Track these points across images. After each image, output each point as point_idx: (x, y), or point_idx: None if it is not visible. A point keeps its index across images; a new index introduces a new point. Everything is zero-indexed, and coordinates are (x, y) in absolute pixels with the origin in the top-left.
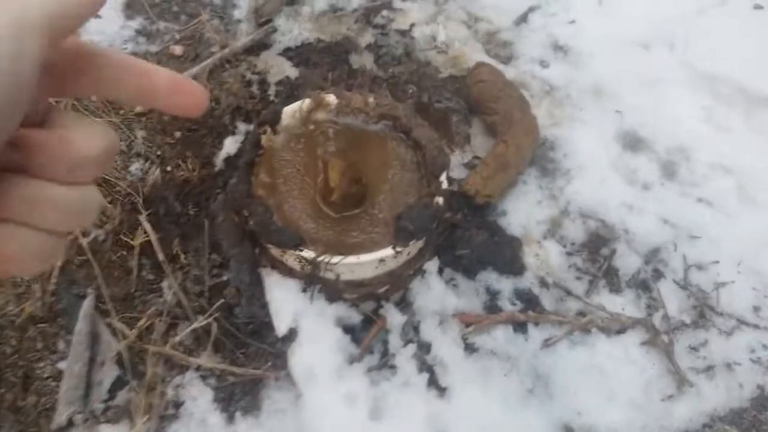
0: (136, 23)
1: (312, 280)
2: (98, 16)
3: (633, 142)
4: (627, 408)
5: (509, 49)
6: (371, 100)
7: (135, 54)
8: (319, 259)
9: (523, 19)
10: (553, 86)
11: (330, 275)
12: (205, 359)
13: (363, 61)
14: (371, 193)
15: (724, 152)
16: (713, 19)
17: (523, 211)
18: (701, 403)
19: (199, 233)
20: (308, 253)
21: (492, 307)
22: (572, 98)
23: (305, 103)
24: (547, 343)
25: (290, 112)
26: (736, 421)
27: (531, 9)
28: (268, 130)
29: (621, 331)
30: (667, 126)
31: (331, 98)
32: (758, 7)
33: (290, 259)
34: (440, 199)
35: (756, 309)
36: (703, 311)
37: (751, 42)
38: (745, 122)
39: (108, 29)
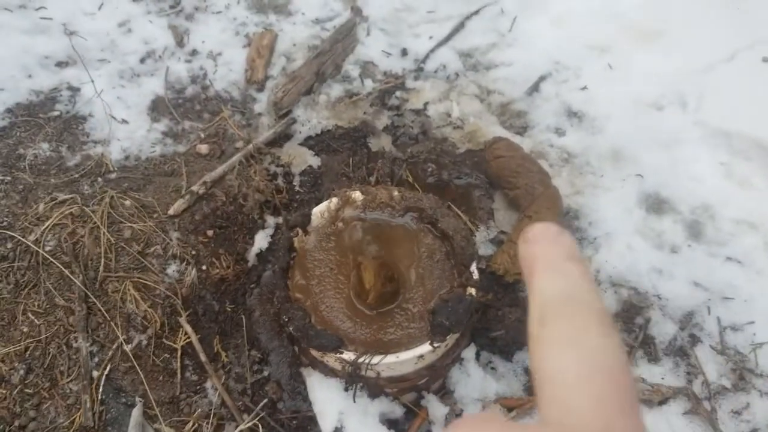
0: (162, 125)
1: (353, 379)
2: (125, 122)
3: (656, 205)
4: None
5: (524, 119)
6: (396, 193)
7: (163, 156)
8: (360, 360)
9: (534, 88)
10: (571, 154)
11: (371, 373)
12: None
13: (381, 143)
14: (403, 288)
15: (748, 208)
16: (722, 75)
17: None
18: None
19: (238, 330)
20: (348, 355)
21: (532, 387)
22: (592, 165)
23: (333, 202)
24: None
25: (319, 212)
26: None
27: (542, 78)
28: (299, 232)
29: (662, 402)
30: (688, 185)
31: (357, 194)
32: (766, 60)
33: (331, 360)
34: (473, 290)
35: None
36: (743, 374)
37: (763, 95)
38: (766, 175)
39: (135, 134)
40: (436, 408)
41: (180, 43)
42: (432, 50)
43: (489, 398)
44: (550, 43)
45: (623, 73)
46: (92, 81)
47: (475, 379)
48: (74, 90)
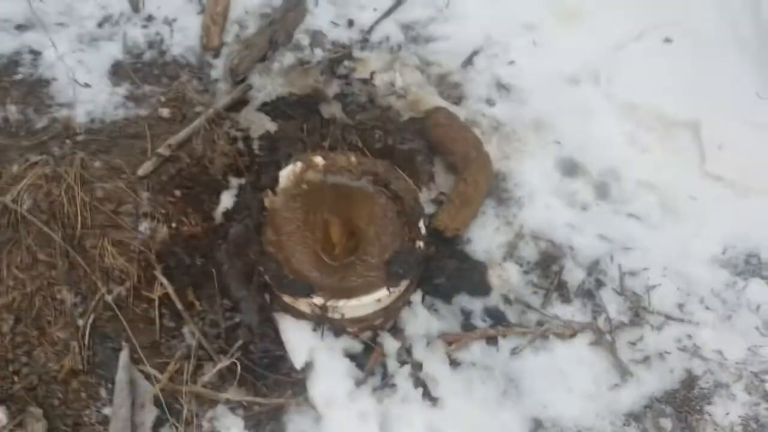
0: (123, 89)
1: (321, 321)
2: (87, 85)
3: (570, 168)
4: (583, 399)
5: (459, 90)
6: (353, 159)
7: (127, 119)
8: (328, 304)
9: (469, 61)
10: (500, 123)
11: (336, 315)
12: (232, 393)
13: (332, 110)
14: (362, 242)
15: (648, 171)
16: (630, 53)
17: (484, 238)
18: (641, 388)
19: (210, 281)
20: (317, 300)
21: (467, 325)
22: (517, 133)
23: (297, 165)
24: (515, 352)
25: (285, 175)
26: (670, 400)
27: (475, 52)
28: (269, 193)
29: (573, 335)
30: (598, 151)
31: (319, 159)
32: (668, 40)
33: (302, 305)
34: (421, 243)
35: (680, 306)
36: (638, 311)
37: (664, 71)
38: (663, 143)
39: (98, 97)
40: (389, 344)
41: (135, 9)
42: (376, 22)
43: (432, 334)
44: (483, 19)
45: (546, 50)
46: (53, 45)
47: (421, 319)
48: (36, 53)
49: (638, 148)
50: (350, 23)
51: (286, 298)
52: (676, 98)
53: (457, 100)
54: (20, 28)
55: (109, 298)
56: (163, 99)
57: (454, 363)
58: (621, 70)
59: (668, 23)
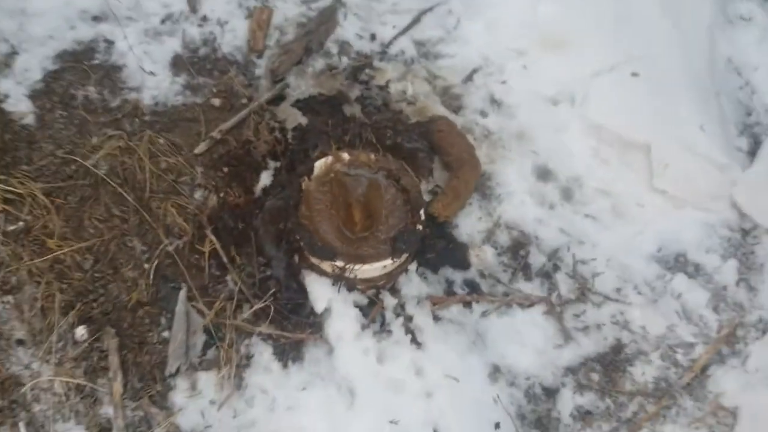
0: (182, 79)
1: (339, 279)
2: (152, 73)
3: (543, 174)
4: (533, 354)
5: (459, 102)
6: (372, 157)
7: (185, 105)
8: (345, 266)
9: (469, 78)
10: (490, 132)
11: (350, 275)
12: (264, 328)
13: (353, 110)
14: (375, 222)
15: (605, 181)
16: (603, 82)
17: (469, 225)
18: (579, 350)
19: (248, 242)
20: (338, 263)
21: (449, 291)
22: (503, 141)
23: (328, 159)
24: (484, 314)
25: (318, 165)
26: (601, 360)
27: (474, 70)
28: (305, 178)
29: (530, 305)
30: (567, 161)
31: (345, 155)
32: (635, 74)
33: (325, 266)
34: (420, 226)
35: (618, 290)
36: (584, 291)
37: (627, 100)
38: (620, 159)
39: (161, 84)
40: (388, 300)
41: (193, 9)
42: (394, 38)
43: (422, 296)
44: (483, 43)
45: (533, 73)
46: (125, 37)
47: (414, 283)
48: (109, 42)
49: (599, 161)
50: (372, 37)
51: (314, 260)
52: (635, 123)
53: (457, 110)
54: (96, 19)
55: (170, 248)
56: (214, 90)
57: (436, 318)
58: (593, 96)
59: (637, 59)
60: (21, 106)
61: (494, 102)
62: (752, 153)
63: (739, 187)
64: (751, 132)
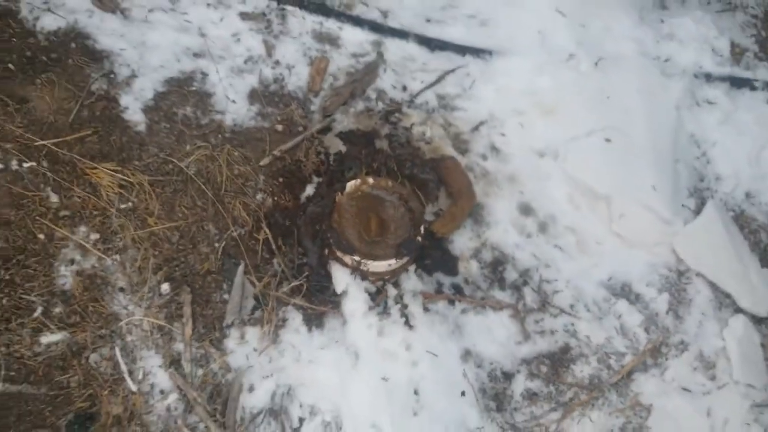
0: (255, 108)
1: (356, 270)
2: (234, 102)
3: (526, 210)
4: (498, 346)
5: (466, 146)
6: (390, 183)
7: (256, 128)
8: (361, 261)
9: (476, 128)
10: (488, 172)
11: (365, 269)
12: (298, 300)
13: (382, 144)
14: (386, 231)
15: (574, 221)
16: (581, 144)
17: (461, 242)
18: (534, 347)
19: (291, 236)
20: (356, 258)
21: (438, 290)
22: (497, 181)
23: (357, 181)
24: (463, 312)
25: (349, 185)
26: (550, 357)
27: (481, 123)
28: (339, 193)
29: (501, 309)
30: (546, 203)
31: (371, 180)
32: (608, 140)
33: (346, 259)
34: (420, 239)
35: (571, 306)
36: (544, 304)
37: (598, 160)
38: (588, 205)
39: (240, 111)
40: (391, 290)
41: (269, 54)
42: (421, 90)
43: (417, 291)
44: (491, 101)
45: (527, 130)
46: (217, 71)
47: (412, 280)
48: (204, 75)
49: (572, 206)
50: (404, 88)
51: (339, 254)
52: (602, 179)
53: (463, 152)
54: (196, 55)
55: (234, 234)
56: (279, 118)
57: (426, 309)
58: (572, 154)
59: (611, 128)
60: (136, 117)
61: (494, 149)
62: (698, 211)
63: (679, 238)
64: (700, 195)
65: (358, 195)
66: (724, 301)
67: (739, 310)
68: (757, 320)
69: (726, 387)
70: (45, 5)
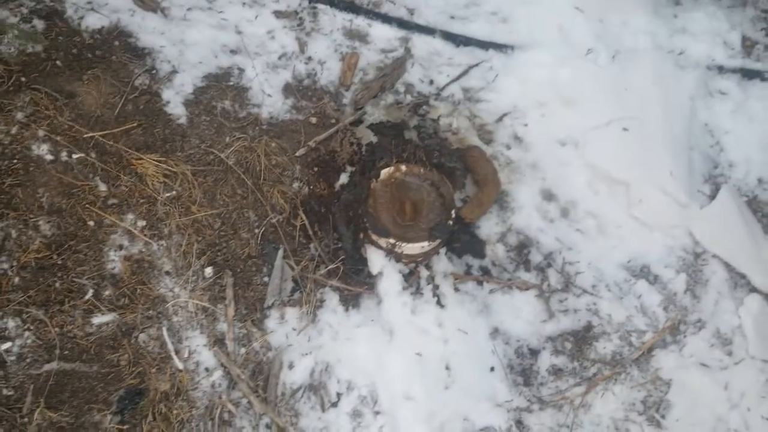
0: (290, 101)
1: (390, 252)
2: (269, 96)
3: (548, 196)
4: (524, 323)
5: (490, 136)
6: (422, 170)
7: (291, 120)
8: (396, 243)
9: (500, 119)
10: (511, 160)
11: (399, 251)
12: (335, 282)
13: (411, 135)
14: (419, 215)
15: (594, 205)
16: (600, 132)
17: (488, 227)
18: (558, 325)
19: (327, 222)
20: (391, 240)
21: (468, 272)
22: (520, 169)
23: (391, 168)
24: (491, 291)
25: (384, 172)
26: (574, 334)
27: (504, 114)
28: (374, 180)
29: (527, 289)
30: (567, 188)
31: (403, 167)
32: (625, 129)
33: (382, 242)
34: (451, 222)
35: (593, 286)
36: (567, 284)
37: (617, 148)
38: (607, 191)
39: (276, 104)
40: (423, 272)
41: (302, 51)
42: (447, 84)
43: (448, 272)
44: (514, 93)
45: (548, 121)
46: (253, 67)
47: (443, 262)
48: (241, 70)
49: (592, 191)
50: (431, 82)
51: (374, 237)
52: (620, 166)
53: (488, 142)
54: (233, 52)
55: (273, 220)
56: (312, 111)
57: (456, 289)
58: (591, 142)
59: (628, 118)
60: (177, 110)
61: (517, 139)
62: (712, 197)
63: (695, 221)
64: (714, 181)
65: (391, 182)
66: (739, 281)
67: (753, 289)
68: None
69: (742, 362)
70: (89, 5)
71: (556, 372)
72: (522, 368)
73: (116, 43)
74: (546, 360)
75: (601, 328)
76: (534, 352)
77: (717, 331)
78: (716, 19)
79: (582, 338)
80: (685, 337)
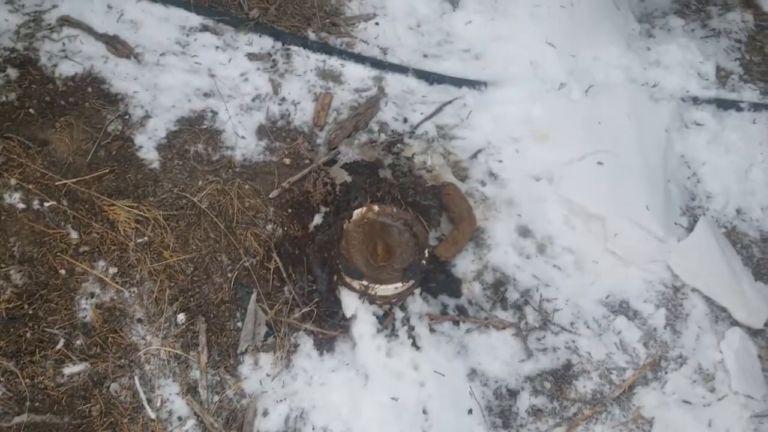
0: (264, 143)
1: (364, 294)
2: (243, 137)
3: (524, 232)
4: (502, 364)
5: (465, 173)
6: (395, 209)
7: (264, 162)
8: (369, 285)
9: (474, 156)
10: (486, 197)
11: (372, 293)
12: (309, 325)
13: (386, 173)
14: (392, 256)
15: (570, 241)
16: (575, 167)
17: (463, 265)
18: (537, 364)
19: (301, 264)
20: (364, 282)
21: (444, 312)
22: (496, 205)
23: (364, 209)
24: (468, 331)
25: (356, 212)
26: (553, 374)
27: (479, 150)
28: (347, 221)
29: (504, 328)
30: (543, 224)
31: (376, 207)
32: (600, 163)
33: (355, 284)
34: (425, 262)
35: (572, 323)
36: (545, 322)
37: (592, 182)
38: (583, 226)
39: (249, 146)
40: (398, 313)
41: (276, 92)
42: (421, 122)
43: (423, 313)
44: (488, 130)
45: (523, 156)
46: (226, 109)
47: (418, 303)
48: (214, 113)
49: (568, 227)
50: (405, 120)
51: (347, 279)
52: (596, 200)
53: (463, 179)
54: (206, 95)
55: (246, 264)
56: (286, 152)
57: (432, 330)
58: (566, 177)
59: (603, 151)
60: (150, 155)
61: (492, 175)
62: (691, 229)
63: (673, 255)
64: (692, 213)
65: (364, 222)
66: (720, 314)
67: (734, 322)
68: (753, 332)
69: (725, 398)
70: (62, 53)
71: (536, 413)
72: (501, 410)
73: (89, 89)
74: (525, 400)
75: (580, 366)
76: (512, 393)
77: (699, 366)
78: (689, 50)
79: (561, 377)
80: (666, 374)
